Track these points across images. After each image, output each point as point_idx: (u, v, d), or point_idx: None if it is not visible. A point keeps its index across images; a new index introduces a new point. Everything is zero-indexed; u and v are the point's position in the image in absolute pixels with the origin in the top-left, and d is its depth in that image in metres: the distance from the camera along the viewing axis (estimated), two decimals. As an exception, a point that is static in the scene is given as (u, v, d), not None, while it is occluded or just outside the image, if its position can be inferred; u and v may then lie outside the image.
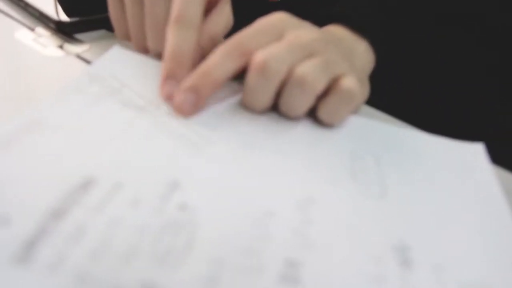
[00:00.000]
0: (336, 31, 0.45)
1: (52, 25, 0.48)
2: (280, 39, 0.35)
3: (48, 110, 0.32)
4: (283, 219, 0.26)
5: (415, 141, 0.38)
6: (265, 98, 0.35)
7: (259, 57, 0.33)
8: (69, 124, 0.31)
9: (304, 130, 0.36)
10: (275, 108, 0.37)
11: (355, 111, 0.40)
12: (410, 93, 0.55)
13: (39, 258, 0.21)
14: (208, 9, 0.43)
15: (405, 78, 0.53)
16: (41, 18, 0.49)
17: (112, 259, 0.22)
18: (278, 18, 0.36)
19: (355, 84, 0.35)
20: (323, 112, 0.36)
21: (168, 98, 0.35)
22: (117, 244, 0.22)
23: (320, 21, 0.45)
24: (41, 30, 0.48)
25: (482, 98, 0.56)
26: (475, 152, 0.37)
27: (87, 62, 0.44)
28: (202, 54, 0.40)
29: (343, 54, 0.38)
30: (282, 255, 0.24)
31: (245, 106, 0.37)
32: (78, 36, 0.48)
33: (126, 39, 0.44)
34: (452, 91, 0.56)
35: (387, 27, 0.47)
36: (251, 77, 0.34)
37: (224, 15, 0.43)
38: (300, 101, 0.35)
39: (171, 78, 0.36)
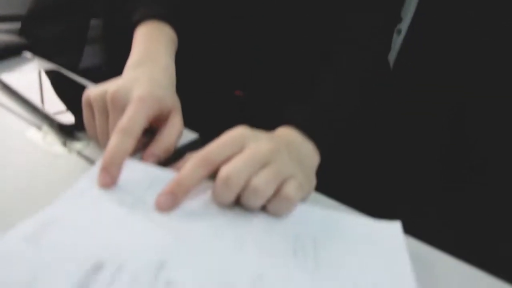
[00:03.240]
0: (288, 134, 0.55)
1: (55, 125, 0.56)
2: (241, 149, 0.44)
3: (63, 208, 0.40)
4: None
5: (346, 223, 0.46)
6: (228, 201, 0.43)
7: (223, 172, 0.42)
8: (80, 219, 0.39)
9: (260, 220, 0.44)
10: (237, 201, 0.45)
11: (304, 199, 0.49)
12: (348, 180, 0.64)
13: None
14: (161, 122, 0.53)
15: (344, 168, 0.63)
16: (47, 119, 0.57)
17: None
18: (239, 133, 0.45)
19: (293, 190, 0.44)
20: (269, 210, 0.45)
21: (103, 186, 0.44)
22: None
23: (274, 124, 0.54)
24: (46, 129, 0.56)
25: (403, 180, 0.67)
26: (392, 230, 0.46)
27: (88, 159, 0.52)
28: (158, 161, 0.51)
29: (293, 157, 0.47)
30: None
31: (214, 201, 0.45)
32: (79, 134, 0.57)
33: (95, 138, 0.54)
34: (376, 175, 0.66)
35: (329, 132, 0.57)
36: (217, 187, 0.43)
37: (174, 127, 0.53)
38: (255, 203, 0.43)
39: (105, 171, 0.44)
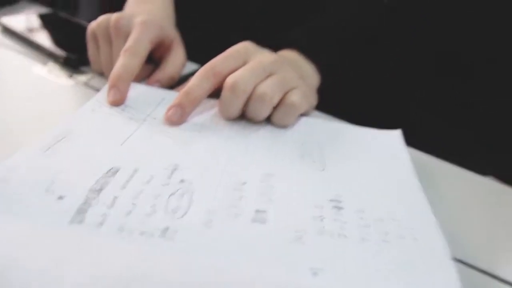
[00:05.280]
0: (290, 55, 0.55)
1: (60, 60, 0.56)
2: (245, 63, 0.44)
3: (75, 123, 0.40)
4: (252, 186, 0.35)
5: (349, 132, 0.47)
6: (236, 110, 0.44)
7: (230, 79, 0.42)
8: (93, 132, 0.39)
9: (266, 131, 0.45)
10: (242, 116, 0.46)
11: (307, 115, 0.50)
12: (347, 99, 0.65)
13: (89, 219, 0.29)
14: (164, 52, 0.53)
15: (343, 88, 0.63)
16: (51, 55, 0.57)
17: (140, 215, 0.30)
18: (243, 46, 0.45)
19: (299, 98, 0.44)
20: (275, 119, 0.45)
21: (114, 104, 0.44)
22: (141, 206, 0.31)
23: (276, 47, 0.54)
24: (52, 65, 0.56)
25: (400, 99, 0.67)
26: (393, 137, 0.47)
27: (94, 88, 0.52)
28: (163, 88, 0.51)
29: (296, 72, 0.47)
30: (253, 207, 0.32)
31: (220, 116, 0.45)
32: (83, 68, 0.57)
33: (99, 71, 0.55)
34: (377, 95, 0.67)
35: (328, 54, 0.57)
36: (224, 95, 0.43)
37: (178, 57, 0.53)
38: (261, 112, 0.44)
39: (114, 88, 0.44)
